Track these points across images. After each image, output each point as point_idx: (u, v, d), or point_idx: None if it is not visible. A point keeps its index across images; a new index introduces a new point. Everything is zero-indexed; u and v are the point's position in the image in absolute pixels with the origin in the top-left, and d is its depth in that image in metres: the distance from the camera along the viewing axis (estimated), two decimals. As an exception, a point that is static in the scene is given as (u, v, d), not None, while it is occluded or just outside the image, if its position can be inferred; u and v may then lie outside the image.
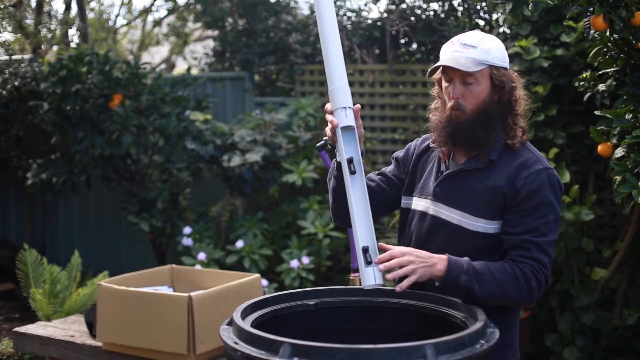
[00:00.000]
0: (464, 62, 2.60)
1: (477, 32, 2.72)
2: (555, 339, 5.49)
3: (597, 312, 5.37)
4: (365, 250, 2.52)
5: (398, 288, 2.48)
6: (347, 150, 2.59)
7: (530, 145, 2.74)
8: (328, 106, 2.64)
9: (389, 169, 2.97)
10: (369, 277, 2.50)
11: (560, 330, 5.47)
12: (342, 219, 2.84)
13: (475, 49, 2.62)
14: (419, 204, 2.80)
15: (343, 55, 2.66)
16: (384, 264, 2.47)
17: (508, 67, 2.71)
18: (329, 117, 2.61)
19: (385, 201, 2.92)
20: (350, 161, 2.58)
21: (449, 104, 2.67)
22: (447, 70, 2.66)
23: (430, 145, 2.84)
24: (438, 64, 2.67)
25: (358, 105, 2.64)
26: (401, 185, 2.91)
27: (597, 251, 5.68)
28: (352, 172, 2.57)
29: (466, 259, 2.54)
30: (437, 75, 2.76)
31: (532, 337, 5.81)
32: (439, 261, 2.52)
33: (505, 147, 2.69)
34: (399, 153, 2.97)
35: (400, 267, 2.48)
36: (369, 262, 2.51)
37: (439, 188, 2.73)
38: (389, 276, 2.48)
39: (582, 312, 5.34)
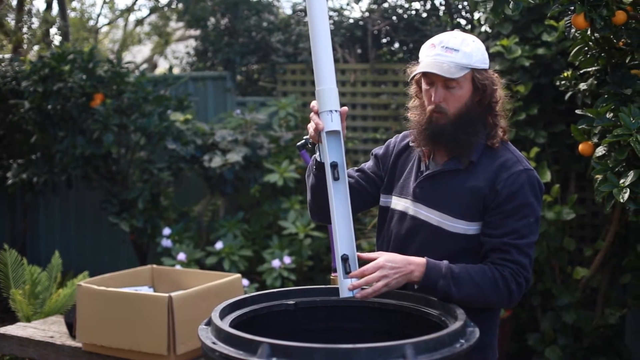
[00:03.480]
0: (447, 68, 2.55)
1: (457, 33, 2.66)
2: (537, 339, 5.50)
3: (579, 311, 5.38)
4: (345, 259, 2.47)
5: (359, 295, 2.45)
6: (332, 155, 2.53)
7: (510, 146, 2.72)
8: (314, 104, 2.57)
9: (367, 166, 2.94)
10: (346, 288, 2.46)
11: (542, 329, 5.48)
12: (320, 216, 2.82)
13: (458, 53, 2.57)
14: (398, 203, 2.77)
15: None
16: (353, 283, 2.44)
17: (488, 67, 2.67)
18: (314, 117, 2.55)
19: (364, 198, 2.89)
20: (334, 166, 2.52)
21: (430, 107, 2.64)
22: (429, 74, 2.61)
23: (410, 144, 2.82)
24: (420, 69, 2.61)
25: (345, 108, 2.57)
26: (380, 183, 2.88)
27: (578, 250, 5.69)
28: (336, 178, 2.52)
29: (445, 262, 2.52)
30: (417, 74, 2.71)
31: (514, 337, 5.81)
32: (417, 267, 2.49)
33: (485, 147, 2.66)
34: (378, 150, 2.94)
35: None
36: (347, 272, 2.47)
37: (418, 188, 2.70)
38: (357, 295, 2.45)
39: (563, 312, 5.35)
